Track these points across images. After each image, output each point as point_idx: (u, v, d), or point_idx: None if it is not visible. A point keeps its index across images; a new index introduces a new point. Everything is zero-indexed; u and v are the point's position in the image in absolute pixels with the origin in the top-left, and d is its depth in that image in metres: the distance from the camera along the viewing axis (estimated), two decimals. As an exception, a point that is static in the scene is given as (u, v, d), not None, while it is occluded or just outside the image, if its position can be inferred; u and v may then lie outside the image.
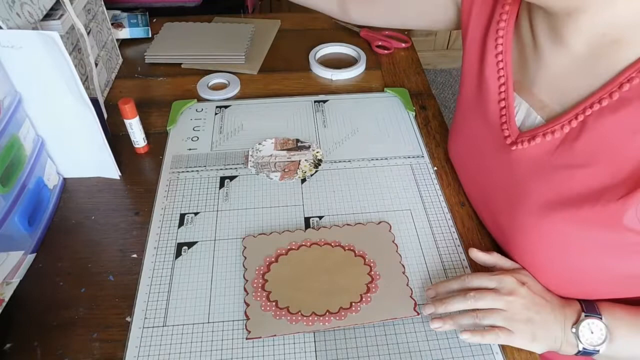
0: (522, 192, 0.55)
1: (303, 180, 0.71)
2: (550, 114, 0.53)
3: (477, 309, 0.52)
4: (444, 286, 0.56)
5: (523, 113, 0.56)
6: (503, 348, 0.53)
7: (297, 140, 0.77)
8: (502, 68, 0.58)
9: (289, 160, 0.73)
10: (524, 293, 0.52)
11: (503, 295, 0.52)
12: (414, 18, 0.74)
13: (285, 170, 0.72)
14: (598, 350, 0.50)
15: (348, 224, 0.64)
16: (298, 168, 0.72)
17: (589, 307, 0.51)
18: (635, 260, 0.48)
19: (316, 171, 0.72)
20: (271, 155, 0.74)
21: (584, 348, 0.50)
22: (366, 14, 0.77)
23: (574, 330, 0.50)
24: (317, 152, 0.75)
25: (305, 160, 0.73)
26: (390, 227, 0.64)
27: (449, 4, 0.68)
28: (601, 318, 0.50)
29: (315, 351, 0.52)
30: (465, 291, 0.53)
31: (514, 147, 0.56)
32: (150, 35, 1.00)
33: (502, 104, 0.58)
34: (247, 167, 0.72)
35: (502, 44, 0.58)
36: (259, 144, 0.76)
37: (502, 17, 0.57)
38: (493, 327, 0.51)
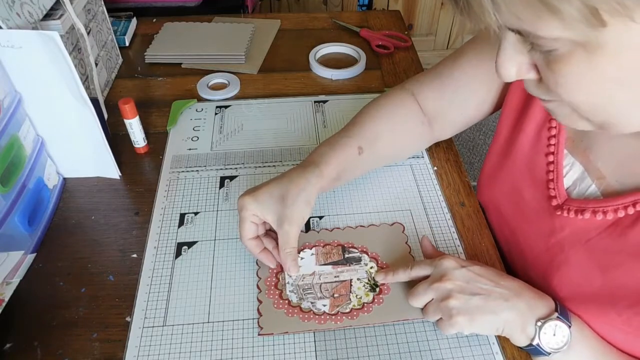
0: (561, 257, 0.53)
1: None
2: (606, 188, 0.49)
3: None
4: (392, 277, 0.56)
5: (576, 174, 0.53)
6: (503, 348, 0.53)
7: (343, 248, 0.61)
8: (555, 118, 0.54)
9: (336, 280, 0.58)
10: (458, 275, 0.51)
11: (431, 284, 0.51)
12: (480, 111, 0.66)
13: (335, 295, 0.56)
14: (549, 353, 0.48)
15: (361, 226, 0.64)
16: (350, 292, 0.57)
17: (563, 312, 0.49)
18: None
19: (374, 296, 0.56)
20: (314, 274, 0.58)
21: (538, 344, 0.48)
22: (447, 129, 0.70)
23: (539, 324, 0.48)
24: (372, 268, 0.59)
25: (358, 279, 0.58)
26: (404, 228, 0.64)
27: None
28: (570, 326, 0.48)
29: (315, 351, 0.52)
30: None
31: (558, 212, 0.52)
32: (126, 44, 1.00)
33: (550, 158, 0.54)
34: (285, 292, 0.56)
35: None
36: (298, 256, 0.60)
37: None
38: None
